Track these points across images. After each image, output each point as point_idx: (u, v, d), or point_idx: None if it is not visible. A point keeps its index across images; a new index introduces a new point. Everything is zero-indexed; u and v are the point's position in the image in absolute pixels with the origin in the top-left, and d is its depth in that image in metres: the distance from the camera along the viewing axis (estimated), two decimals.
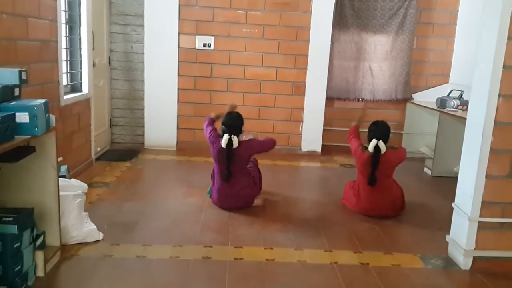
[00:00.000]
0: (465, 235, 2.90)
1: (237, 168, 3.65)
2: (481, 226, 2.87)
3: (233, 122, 3.66)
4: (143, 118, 5.77)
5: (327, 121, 5.95)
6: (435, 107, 5.28)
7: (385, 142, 3.62)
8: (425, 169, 5.33)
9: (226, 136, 3.56)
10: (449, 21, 5.98)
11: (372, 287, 2.66)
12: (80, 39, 4.63)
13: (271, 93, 5.81)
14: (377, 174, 3.62)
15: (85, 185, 3.36)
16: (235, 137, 3.59)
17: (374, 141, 3.60)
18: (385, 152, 3.61)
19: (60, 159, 3.33)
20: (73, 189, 3.10)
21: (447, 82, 6.07)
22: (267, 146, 3.82)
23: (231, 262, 2.86)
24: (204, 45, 5.62)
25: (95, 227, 3.08)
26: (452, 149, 4.76)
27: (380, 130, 3.69)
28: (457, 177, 3.07)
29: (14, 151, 2.35)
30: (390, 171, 3.71)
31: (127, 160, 5.14)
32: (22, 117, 2.35)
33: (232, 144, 3.56)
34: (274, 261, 2.91)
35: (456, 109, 4.92)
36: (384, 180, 3.67)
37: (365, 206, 3.71)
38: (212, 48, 5.64)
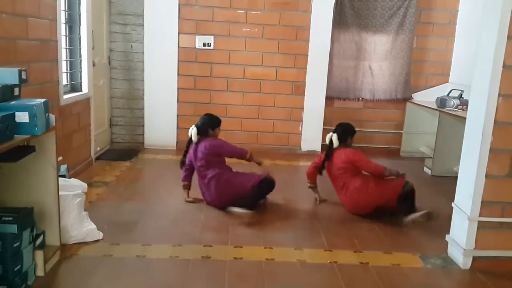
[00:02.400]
0: (465, 234, 2.90)
1: (206, 166, 3.70)
2: (481, 225, 2.87)
3: (202, 119, 3.83)
4: (143, 117, 5.77)
5: (327, 121, 5.94)
6: (435, 106, 5.28)
7: (342, 140, 3.83)
8: (425, 169, 5.33)
9: (192, 128, 3.76)
10: (449, 21, 5.98)
11: (372, 287, 2.66)
12: (79, 38, 4.63)
13: (271, 92, 5.81)
14: (337, 173, 3.78)
15: (85, 185, 3.35)
16: (195, 128, 3.74)
17: (329, 134, 3.88)
18: (338, 148, 3.82)
19: (60, 158, 3.32)
20: (72, 188, 3.09)
21: (447, 82, 6.06)
22: (238, 152, 3.81)
23: (231, 261, 2.86)
24: (204, 44, 5.62)
25: (95, 226, 3.08)
26: (452, 149, 4.76)
27: (340, 127, 3.92)
28: (456, 177, 3.07)
29: (13, 150, 2.35)
30: (344, 167, 3.74)
31: (126, 160, 5.14)
32: (22, 117, 2.34)
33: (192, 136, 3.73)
34: (274, 261, 2.91)
35: (456, 109, 4.91)
36: (349, 180, 3.73)
37: (347, 207, 3.82)
38: (212, 48, 5.64)
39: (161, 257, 2.87)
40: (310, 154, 5.85)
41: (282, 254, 3.01)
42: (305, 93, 5.80)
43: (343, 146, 3.85)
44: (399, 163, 5.67)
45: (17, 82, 2.50)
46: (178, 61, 5.63)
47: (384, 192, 3.62)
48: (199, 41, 5.61)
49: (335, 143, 3.82)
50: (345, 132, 3.89)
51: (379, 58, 5.98)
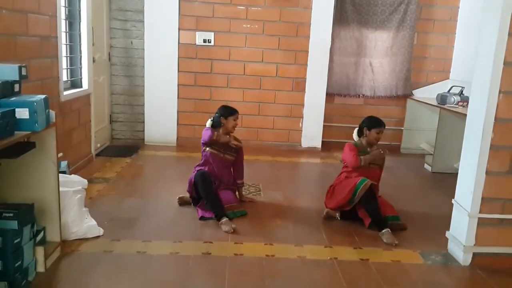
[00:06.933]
0: (465, 231, 2.90)
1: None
2: (481, 222, 2.87)
3: (218, 108, 3.82)
4: (143, 114, 5.77)
5: (327, 117, 5.95)
6: (435, 103, 5.28)
7: (359, 133, 3.66)
8: (425, 165, 5.33)
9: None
10: (449, 17, 5.96)
11: (372, 283, 2.67)
12: (80, 34, 4.62)
13: (271, 89, 5.80)
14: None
15: (85, 181, 3.36)
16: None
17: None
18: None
19: (60, 155, 3.32)
20: (73, 185, 3.10)
21: (448, 78, 6.06)
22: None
23: (231, 258, 2.87)
24: (204, 41, 5.61)
25: (95, 222, 3.08)
26: (452, 146, 4.76)
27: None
28: (457, 174, 3.07)
29: (14, 147, 2.35)
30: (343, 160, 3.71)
31: (127, 156, 5.14)
32: (22, 113, 2.34)
33: None
34: (274, 257, 2.91)
35: (457, 105, 4.91)
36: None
37: None
38: (212, 44, 5.63)
39: (161, 253, 2.87)
40: (310, 150, 5.85)
41: (282, 250, 3.01)
42: (306, 90, 5.79)
43: (363, 138, 3.65)
44: (400, 160, 5.67)
45: (17, 78, 2.49)
46: (179, 57, 5.62)
47: (338, 194, 3.50)
48: (199, 38, 5.60)
49: (354, 136, 3.69)
50: (362, 124, 3.67)
51: (379, 55, 5.97)
